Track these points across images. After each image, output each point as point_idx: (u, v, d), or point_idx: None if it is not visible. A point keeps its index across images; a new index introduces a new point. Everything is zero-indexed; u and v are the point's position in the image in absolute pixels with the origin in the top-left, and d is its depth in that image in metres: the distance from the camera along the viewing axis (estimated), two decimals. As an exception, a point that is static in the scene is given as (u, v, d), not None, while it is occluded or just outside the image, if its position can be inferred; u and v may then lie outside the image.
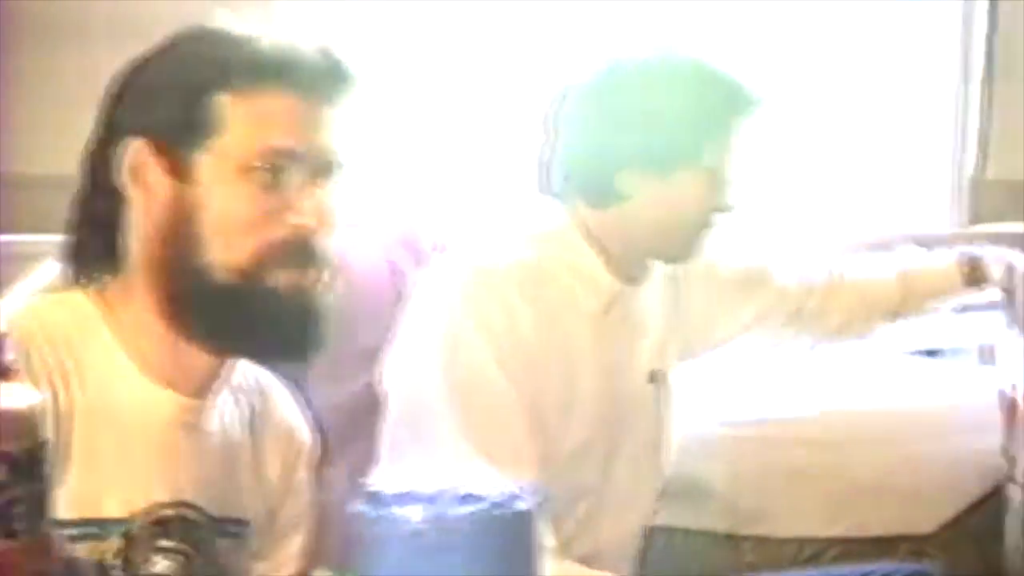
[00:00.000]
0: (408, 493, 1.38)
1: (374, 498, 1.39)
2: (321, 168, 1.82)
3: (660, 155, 2.34)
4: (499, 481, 1.42)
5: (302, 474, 2.06)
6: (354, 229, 2.97)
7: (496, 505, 1.37)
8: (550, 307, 2.34)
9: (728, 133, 2.40)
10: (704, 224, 2.43)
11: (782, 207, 4.57)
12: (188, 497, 1.86)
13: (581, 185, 2.40)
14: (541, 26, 4.18)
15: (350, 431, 2.60)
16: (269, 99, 1.79)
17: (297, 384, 2.06)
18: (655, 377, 2.54)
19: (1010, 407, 2.90)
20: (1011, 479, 2.98)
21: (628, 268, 2.44)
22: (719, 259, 2.66)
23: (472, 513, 1.35)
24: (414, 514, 1.34)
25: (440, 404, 2.27)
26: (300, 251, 1.79)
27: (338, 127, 1.84)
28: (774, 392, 3.50)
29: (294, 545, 2.07)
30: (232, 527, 1.94)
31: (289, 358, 1.91)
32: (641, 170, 2.35)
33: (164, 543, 1.84)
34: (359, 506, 1.39)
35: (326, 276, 1.82)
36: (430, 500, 1.36)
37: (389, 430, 2.40)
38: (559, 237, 2.41)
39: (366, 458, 2.43)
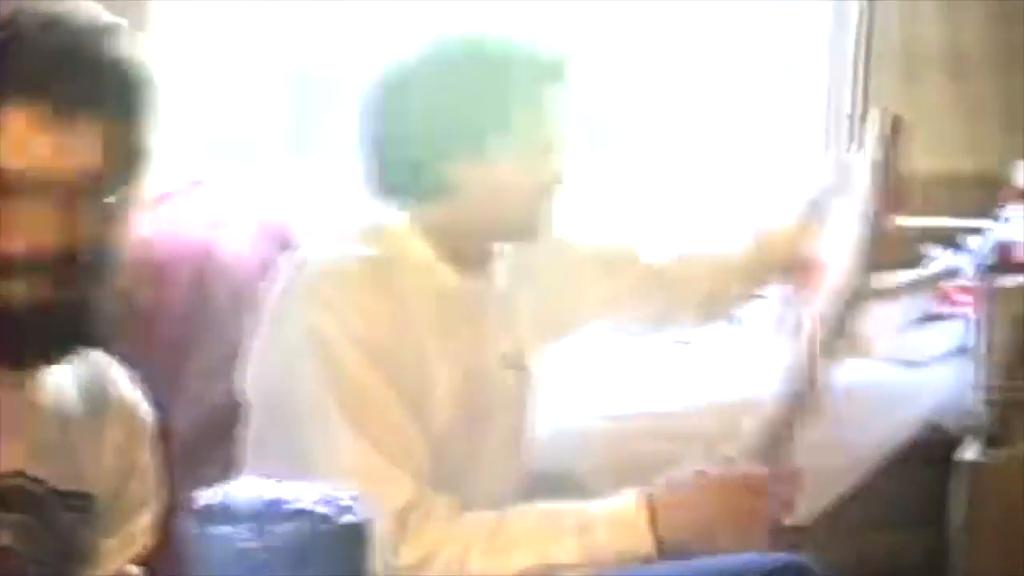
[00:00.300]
0: (235, 508, 1.35)
1: (202, 513, 1.36)
2: (66, 186, 1.71)
3: (474, 139, 2.29)
4: (334, 493, 1.39)
5: (146, 452, 2.02)
6: (222, 225, 2.96)
7: (323, 520, 1.34)
8: (398, 302, 2.31)
9: (540, 101, 2.32)
10: (541, 197, 2.37)
11: (648, 203, 4.58)
12: (26, 469, 1.81)
13: (404, 180, 2.36)
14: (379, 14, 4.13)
15: (221, 432, 2.56)
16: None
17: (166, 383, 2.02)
18: (514, 363, 2.51)
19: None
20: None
21: (469, 256, 2.41)
22: (577, 236, 2.63)
23: (297, 528, 1.32)
24: (240, 530, 1.32)
25: (321, 410, 2.24)
26: (30, 266, 1.73)
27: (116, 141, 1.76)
28: (647, 385, 3.49)
29: (142, 523, 2.03)
30: (76, 501, 1.89)
31: (29, 364, 1.86)
32: (460, 158, 2.30)
33: (3, 515, 1.80)
34: (187, 521, 1.36)
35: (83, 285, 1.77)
36: (257, 515, 1.33)
37: (255, 435, 2.37)
38: (396, 234, 2.37)
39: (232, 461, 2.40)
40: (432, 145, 2.30)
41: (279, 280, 2.37)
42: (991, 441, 3.31)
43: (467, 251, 2.39)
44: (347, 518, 1.35)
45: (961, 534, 3.23)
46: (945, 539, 3.32)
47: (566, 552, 2.21)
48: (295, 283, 2.33)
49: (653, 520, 2.22)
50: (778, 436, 2.39)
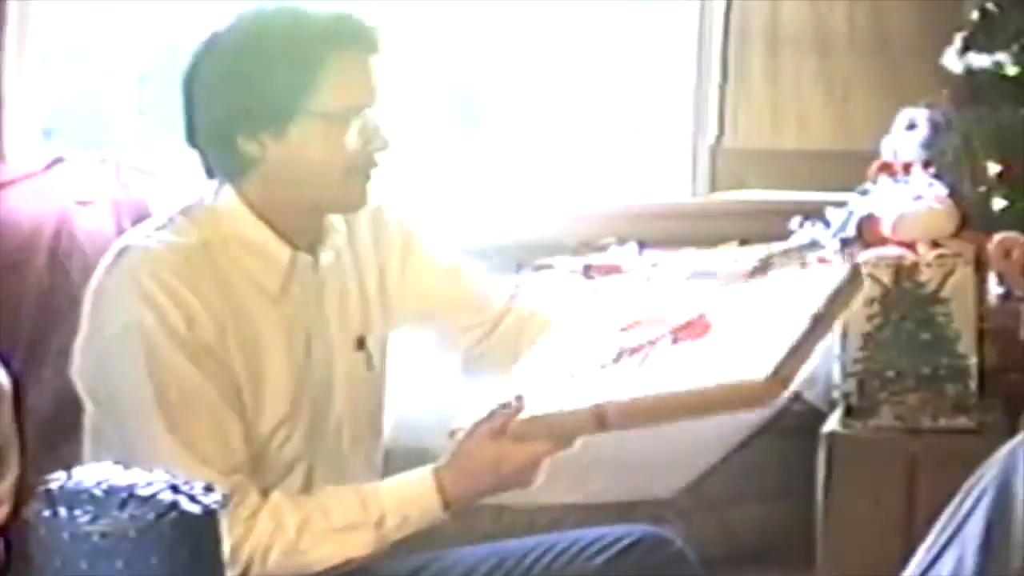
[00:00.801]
0: (80, 492, 1.33)
1: (48, 495, 1.34)
2: None
3: (274, 112, 2.25)
4: (178, 481, 1.37)
5: (4, 415, 1.99)
6: (81, 204, 2.92)
7: (169, 507, 1.32)
8: (222, 286, 2.27)
9: (342, 72, 2.28)
10: (354, 169, 2.31)
11: (522, 173, 4.58)
12: None
13: (217, 155, 2.33)
14: None
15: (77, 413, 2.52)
16: None
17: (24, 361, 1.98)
18: (362, 344, 2.49)
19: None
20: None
21: (300, 233, 2.38)
22: (428, 236, 2.61)
23: (134, 517, 1.30)
24: (82, 514, 1.30)
25: (140, 404, 2.21)
26: None
27: None
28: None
29: (4, 486, 2.00)
30: None
31: None
32: (263, 131, 2.26)
33: None
34: (34, 507, 1.34)
35: None
36: (101, 500, 1.31)
37: (90, 422, 2.34)
38: (224, 213, 2.33)
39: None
40: (235, 119, 2.27)
41: (101, 265, 2.33)
42: (851, 412, 3.33)
43: (296, 226, 2.36)
44: (192, 506, 1.33)
45: (824, 505, 3.26)
46: (811, 511, 3.35)
47: (363, 546, 2.27)
48: (115, 271, 2.28)
49: (443, 491, 2.26)
50: None
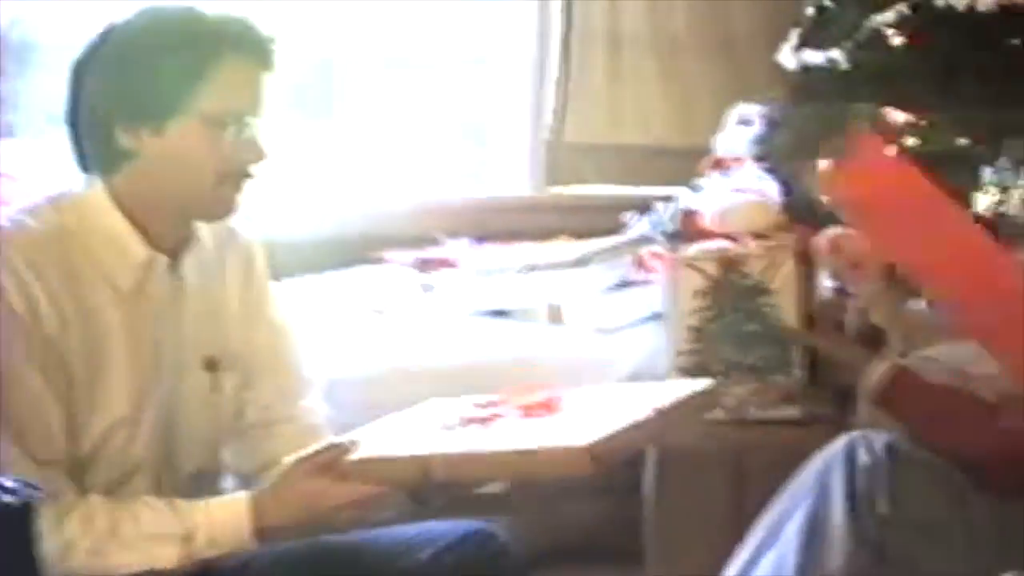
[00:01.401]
0: None
1: None
2: None
3: (152, 110, 2.23)
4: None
5: None
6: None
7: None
8: (71, 277, 2.23)
9: (227, 77, 2.25)
10: (226, 177, 2.28)
11: (364, 167, 4.56)
12: None
13: (92, 148, 2.29)
14: None
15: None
16: None
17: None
18: (212, 365, 2.45)
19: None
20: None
21: (163, 235, 2.34)
22: (269, 282, 2.57)
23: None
24: None
25: None
26: None
27: None
28: (335, 354, 3.46)
29: None
30: None
31: None
32: (136, 126, 2.24)
33: None
34: None
35: None
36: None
37: None
38: (89, 204, 2.29)
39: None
40: (118, 109, 2.23)
41: None
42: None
43: (160, 227, 2.32)
44: (7, 497, 1.28)
45: (653, 500, 3.26)
46: (641, 506, 3.35)
47: (167, 558, 2.22)
48: None
49: (256, 517, 2.24)
50: None
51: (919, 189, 1.56)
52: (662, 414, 2.16)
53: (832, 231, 2.80)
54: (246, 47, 2.26)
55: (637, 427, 2.12)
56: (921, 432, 2.21)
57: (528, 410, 2.30)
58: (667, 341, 3.26)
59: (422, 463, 2.16)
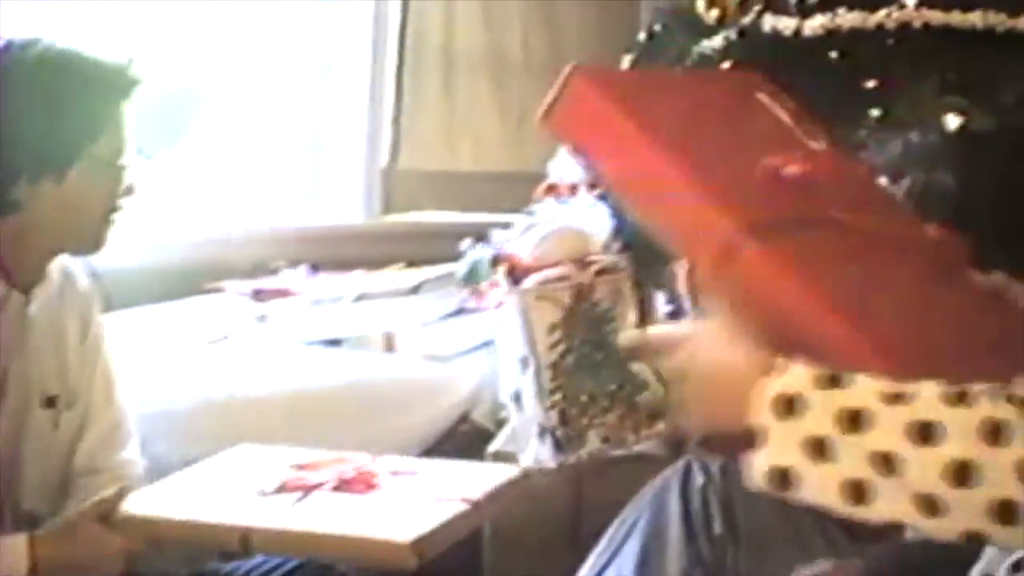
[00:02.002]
0: None
1: None
2: None
3: (54, 159, 2.24)
4: None
5: None
6: None
7: None
8: None
9: (119, 120, 2.33)
10: (108, 212, 2.34)
11: (202, 195, 4.51)
12: None
13: None
14: None
15: None
16: None
17: None
18: (52, 402, 2.43)
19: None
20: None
21: (25, 272, 2.33)
22: (104, 336, 2.56)
23: None
24: None
25: None
26: None
27: None
28: (176, 383, 3.42)
29: None
30: None
31: None
32: (34, 178, 2.25)
33: None
34: None
35: None
36: None
37: None
38: None
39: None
40: (23, 161, 2.25)
41: None
42: (560, 446, 3.33)
43: (25, 264, 2.33)
44: None
45: (491, 524, 3.25)
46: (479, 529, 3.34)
47: None
48: None
49: (33, 554, 2.23)
50: None
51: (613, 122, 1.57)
52: (478, 506, 2.25)
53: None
54: (129, 89, 2.33)
55: (457, 519, 2.22)
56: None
57: (346, 484, 2.36)
58: (502, 367, 3.27)
59: (243, 534, 2.20)
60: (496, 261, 3.51)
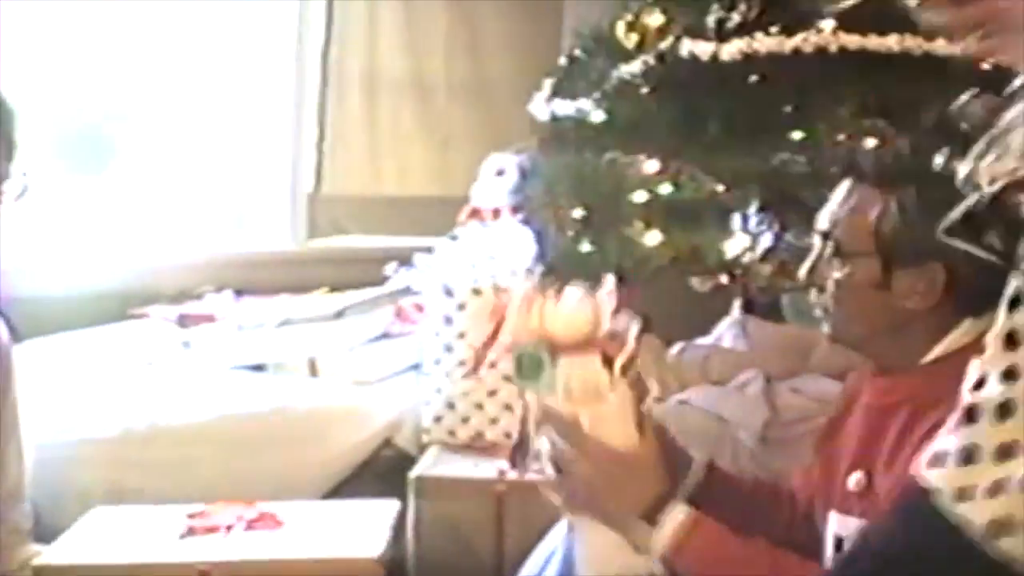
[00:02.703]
0: None
1: None
2: None
3: None
4: None
5: None
6: None
7: None
8: None
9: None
10: None
11: (128, 221, 4.47)
12: None
13: None
14: None
15: None
16: None
17: None
18: None
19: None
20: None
21: None
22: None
23: None
24: None
25: None
26: None
27: None
28: (100, 410, 3.37)
29: None
30: None
31: None
32: None
33: None
34: None
35: None
36: None
37: None
38: None
39: None
40: None
41: None
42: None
43: None
44: None
45: (415, 548, 3.22)
46: (403, 555, 3.31)
47: None
48: None
49: None
50: None
51: None
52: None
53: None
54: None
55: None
56: None
57: (252, 523, 2.48)
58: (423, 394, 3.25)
59: (203, 570, 2.27)
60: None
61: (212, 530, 2.41)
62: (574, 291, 1.96)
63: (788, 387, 3.42)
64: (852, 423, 2.10)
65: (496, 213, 3.56)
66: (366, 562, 2.25)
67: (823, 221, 2.04)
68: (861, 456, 2.06)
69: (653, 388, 3.43)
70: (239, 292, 4.11)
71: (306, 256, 4.48)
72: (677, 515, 1.90)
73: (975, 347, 1.95)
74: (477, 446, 3.39)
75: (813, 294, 2.09)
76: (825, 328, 2.08)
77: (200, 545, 2.35)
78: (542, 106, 3.33)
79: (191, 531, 2.40)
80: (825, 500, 2.13)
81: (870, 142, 2.70)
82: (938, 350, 2.00)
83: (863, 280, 1.99)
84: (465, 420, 3.39)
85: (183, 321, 3.96)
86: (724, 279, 3.01)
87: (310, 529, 2.45)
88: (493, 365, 3.23)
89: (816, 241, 2.06)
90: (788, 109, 2.87)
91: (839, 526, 2.07)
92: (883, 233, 1.98)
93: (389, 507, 2.61)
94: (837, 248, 2.01)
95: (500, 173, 3.61)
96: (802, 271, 2.07)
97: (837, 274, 2.01)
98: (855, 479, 2.05)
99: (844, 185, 2.04)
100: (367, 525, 2.50)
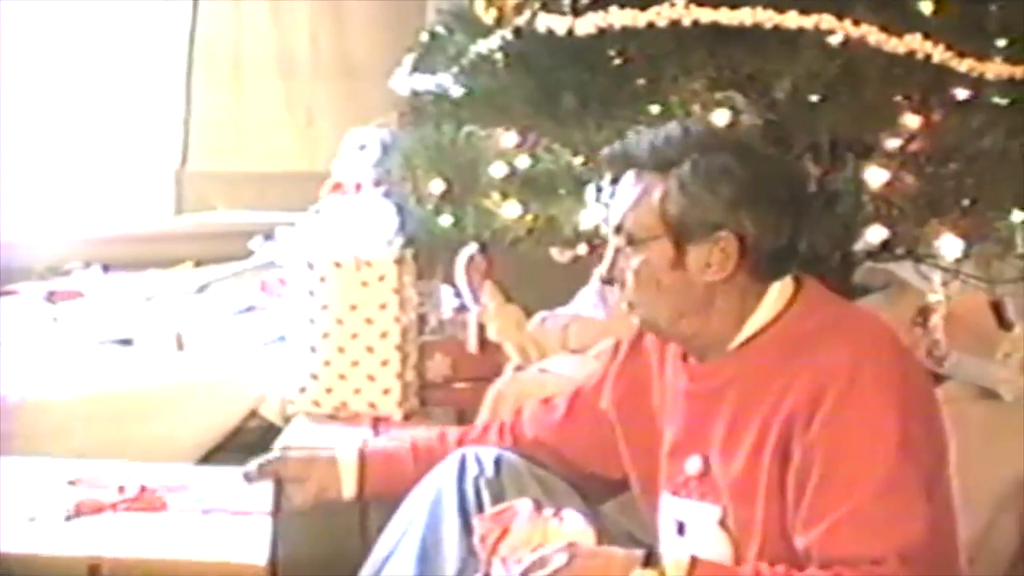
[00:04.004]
0: None
1: None
2: None
3: None
4: None
5: None
6: None
7: None
8: None
9: None
10: None
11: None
12: None
13: None
14: None
15: None
16: None
17: None
18: None
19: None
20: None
21: None
22: None
23: None
24: None
25: None
26: None
27: None
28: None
29: None
30: None
31: None
32: None
33: None
34: None
35: None
36: None
37: None
38: None
39: None
40: None
41: None
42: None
43: None
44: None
45: (280, 515, 3.19)
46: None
47: None
48: None
49: None
50: None
51: None
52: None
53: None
54: None
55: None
56: None
57: (131, 503, 2.43)
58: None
59: (92, 563, 2.20)
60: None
61: (98, 510, 2.36)
62: (574, 514, 1.96)
63: (645, 354, 3.43)
64: (670, 407, 2.11)
65: (358, 187, 3.53)
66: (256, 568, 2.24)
67: (613, 217, 2.05)
68: (693, 441, 2.08)
69: (514, 356, 3.44)
70: (107, 268, 4.05)
71: (173, 232, 4.43)
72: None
73: (778, 324, 2.00)
74: (341, 416, 3.36)
75: (616, 291, 2.10)
76: (634, 321, 2.09)
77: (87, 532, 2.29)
78: (403, 81, 3.30)
79: (78, 511, 2.35)
80: (649, 481, 2.15)
81: (723, 114, 2.70)
82: (747, 331, 2.03)
83: (659, 263, 2.01)
84: (329, 391, 3.37)
85: (51, 297, 3.91)
86: (583, 250, 2.99)
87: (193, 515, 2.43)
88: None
89: (610, 238, 2.06)
90: (643, 82, 2.87)
91: (678, 510, 2.09)
92: (669, 213, 1.99)
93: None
94: (630, 239, 2.02)
95: (362, 148, 3.57)
96: (602, 270, 2.08)
97: (634, 263, 2.02)
98: (693, 463, 2.06)
99: (626, 177, 2.05)
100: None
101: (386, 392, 3.37)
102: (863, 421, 1.91)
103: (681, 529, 2.09)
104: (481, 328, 3.47)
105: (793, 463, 1.94)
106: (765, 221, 1.98)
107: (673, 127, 2.10)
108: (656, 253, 2.01)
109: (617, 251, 2.06)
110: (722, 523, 2.04)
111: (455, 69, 3.09)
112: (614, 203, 2.07)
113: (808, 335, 1.99)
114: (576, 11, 2.82)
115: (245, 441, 3.42)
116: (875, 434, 1.90)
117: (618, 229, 2.04)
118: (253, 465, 2.39)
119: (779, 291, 2.03)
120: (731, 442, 2.01)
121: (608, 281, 2.09)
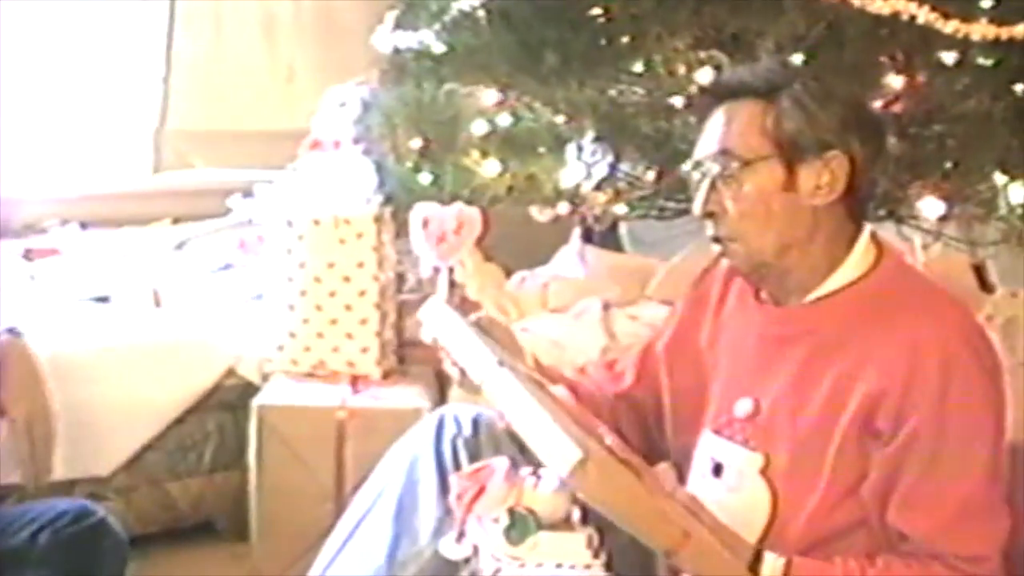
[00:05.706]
0: None
1: None
2: None
3: None
4: None
5: None
6: None
7: None
8: None
9: None
10: None
11: None
12: None
13: None
14: None
15: None
16: None
17: None
18: None
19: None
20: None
21: None
22: None
23: None
24: None
25: None
26: None
27: None
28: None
29: None
30: None
31: None
32: None
33: None
34: None
35: None
36: None
37: None
38: None
39: None
40: None
41: None
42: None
43: None
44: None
45: (258, 476, 3.17)
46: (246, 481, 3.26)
47: None
48: None
49: None
50: None
51: None
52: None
53: (422, 207, 2.72)
54: None
55: None
56: None
57: None
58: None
59: None
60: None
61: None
62: (551, 474, 1.89)
63: (625, 314, 3.40)
64: (744, 349, 2.07)
65: (337, 144, 3.48)
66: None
67: (709, 145, 1.99)
68: (752, 384, 2.04)
69: (493, 315, 3.40)
70: (84, 225, 4.01)
71: (151, 189, 4.37)
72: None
73: (860, 284, 1.96)
74: (319, 374, 3.33)
75: (707, 225, 2.03)
76: (732, 259, 2.02)
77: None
78: (386, 38, 3.26)
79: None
80: (684, 422, 2.11)
81: (707, 73, 2.67)
82: (831, 284, 1.99)
83: (769, 185, 1.95)
84: (307, 349, 3.33)
85: (29, 255, 3.87)
86: (563, 209, 2.96)
87: None
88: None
89: (695, 174, 2.00)
90: (625, 40, 2.83)
91: (718, 450, 2.05)
92: (784, 130, 1.95)
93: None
94: (739, 162, 1.95)
95: (342, 105, 3.52)
96: (697, 206, 2.01)
97: (744, 188, 1.96)
98: (743, 405, 2.02)
99: (725, 107, 2.00)
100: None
101: (364, 350, 3.34)
102: (967, 408, 1.88)
103: (718, 470, 2.05)
104: (453, 285, 3.44)
105: (884, 438, 1.90)
106: (870, 145, 1.96)
107: (769, 61, 2.08)
108: (766, 175, 1.96)
109: (714, 182, 1.99)
110: (763, 472, 2.00)
111: (437, 26, 3.05)
112: (709, 132, 1.99)
113: (890, 303, 1.96)
114: (561, -31, 2.80)
115: (223, 399, 3.39)
116: (978, 422, 1.89)
117: (721, 154, 1.97)
118: None
119: (864, 249, 1.99)
120: (797, 394, 1.97)
121: (707, 215, 2.00)
